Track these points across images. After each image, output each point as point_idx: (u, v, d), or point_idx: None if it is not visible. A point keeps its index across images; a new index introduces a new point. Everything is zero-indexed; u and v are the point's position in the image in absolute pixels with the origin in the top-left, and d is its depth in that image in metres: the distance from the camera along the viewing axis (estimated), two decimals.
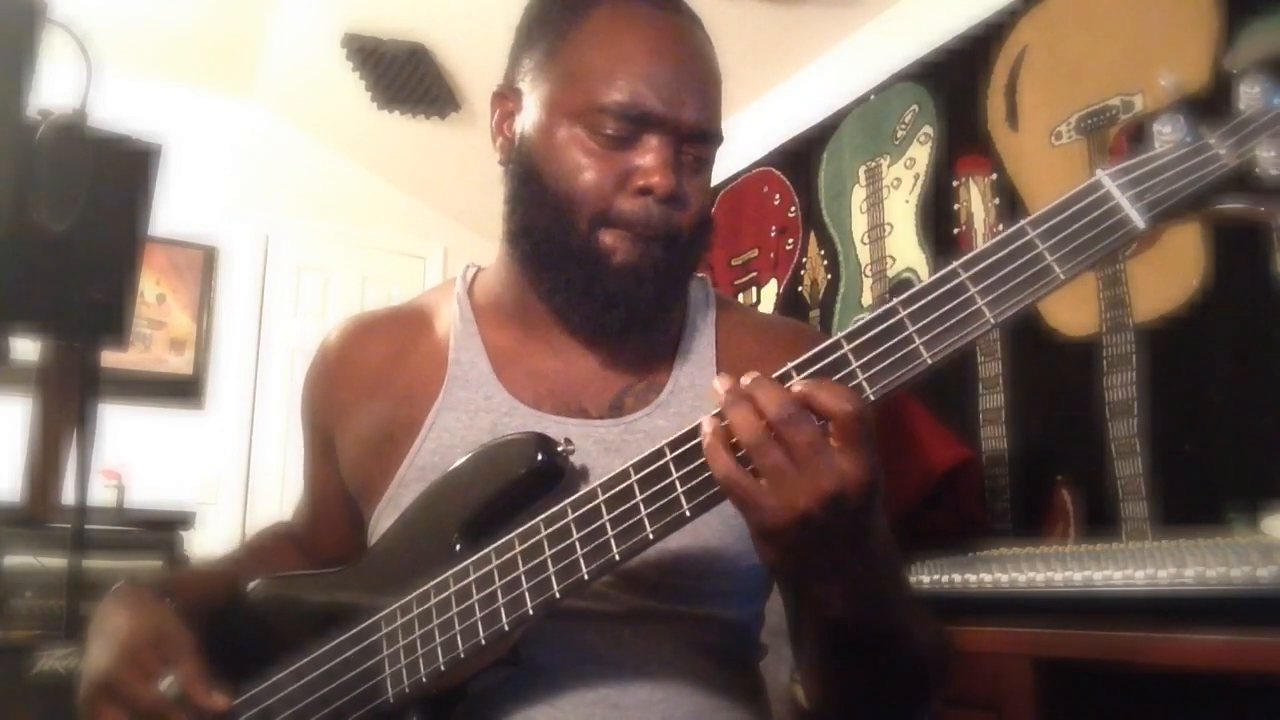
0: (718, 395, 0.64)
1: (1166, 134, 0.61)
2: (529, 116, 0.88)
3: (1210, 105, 0.63)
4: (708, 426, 0.64)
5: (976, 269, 0.61)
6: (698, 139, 0.85)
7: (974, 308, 0.61)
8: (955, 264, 0.62)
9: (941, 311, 0.61)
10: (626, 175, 0.83)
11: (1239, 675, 1.15)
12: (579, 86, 0.84)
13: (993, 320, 0.60)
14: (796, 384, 0.62)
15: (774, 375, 0.64)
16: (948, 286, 0.62)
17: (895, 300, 0.62)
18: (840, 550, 0.64)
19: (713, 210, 0.93)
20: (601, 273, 0.83)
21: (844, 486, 0.60)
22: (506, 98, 0.91)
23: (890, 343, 0.62)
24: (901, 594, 0.82)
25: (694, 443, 0.65)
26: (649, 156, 0.82)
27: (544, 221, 0.85)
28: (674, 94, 0.83)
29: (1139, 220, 0.59)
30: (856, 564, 0.66)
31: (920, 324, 0.61)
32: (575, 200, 0.83)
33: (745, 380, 0.63)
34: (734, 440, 0.62)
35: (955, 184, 2.36)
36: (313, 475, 1.00)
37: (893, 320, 0.62)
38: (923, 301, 0.62)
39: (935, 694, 0.83)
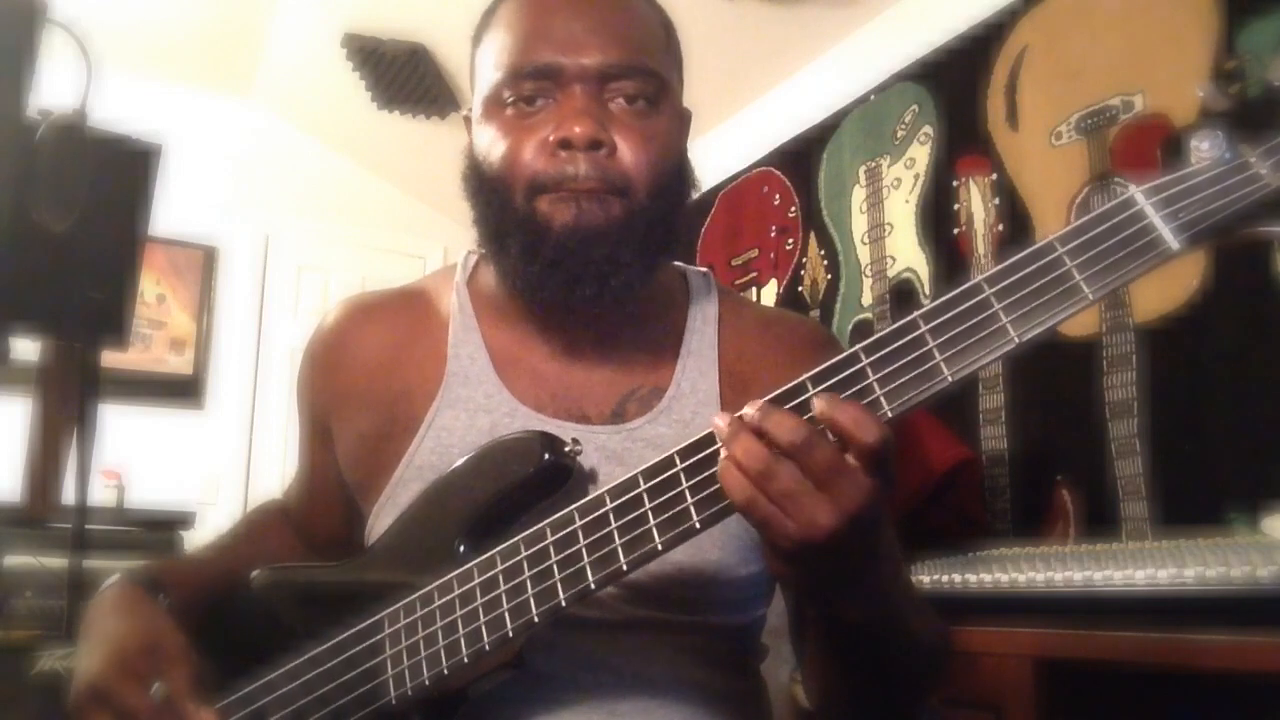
0: (719, 430, 0.62)
1: (1204, 150, 0.57)
2: (474, 126, 0.89)
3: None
4: (722, 451, 0.62)
5: (1001, 285, 0.59)
6: (619, 76, 0.81)
7: (998, 325, 0.58)
8: (980, 278, 0.59)
9: (964, 327, 0.59)
10: (546, 136, 0.81)
11: (1239, 675, 1.15)
12: (490, 74, 0.85)
13: (1017, 339, 0.58)
14: (816, 402, 0.60)
15: (788, 387, 0.62)
16: (972, 302, 0.59)
17: (916, 314, 0.60)
18: (857, 560, 0.64)
19: (685, 161, 0.88)
20: (542, 241, 0.80)
21: (867, 503, 0.59)
22: (468, 119, 0.92)
23: (910, 357, 0.60)
24: (906, 590, 0.82)
25: (705, 453, 0.64)
26: (561, 109, 0.80)
27: (487, 209, 0.84)
28: (570, 38, 0.80)
29: (1173, 242, 0.56)
30: (869, 569, 0.66)
31: (941, 339, 0.59)
32: (505, 176, 0.82)
33: (750, 411, 0.61)
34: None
35: (955, 184, 2.36)
36: (309, 460, 0.98)
37: (913, 334, 0.60)
38: (945, 316, 0.59)
39: (936, 689, 0.83)
